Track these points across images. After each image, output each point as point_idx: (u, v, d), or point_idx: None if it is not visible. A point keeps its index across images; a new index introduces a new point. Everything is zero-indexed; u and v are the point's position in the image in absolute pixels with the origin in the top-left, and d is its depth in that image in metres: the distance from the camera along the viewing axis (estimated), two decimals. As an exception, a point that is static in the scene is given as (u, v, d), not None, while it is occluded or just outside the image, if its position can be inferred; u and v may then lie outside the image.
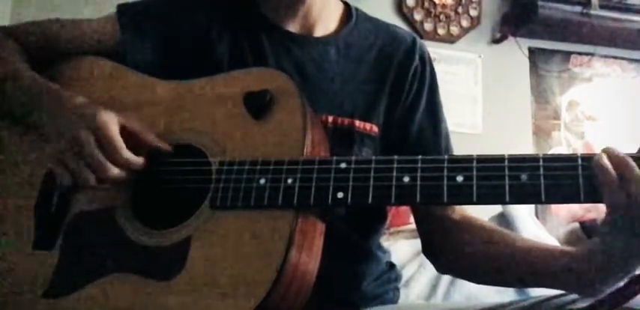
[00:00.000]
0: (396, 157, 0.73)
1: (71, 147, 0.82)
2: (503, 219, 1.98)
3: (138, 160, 0.83)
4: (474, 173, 0.69)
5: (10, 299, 0.83)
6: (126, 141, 0.83)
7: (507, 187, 0.67)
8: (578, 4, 2.76)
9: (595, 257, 0.70)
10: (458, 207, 0.97)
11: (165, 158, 0.86)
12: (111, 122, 0.83)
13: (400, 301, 1.06)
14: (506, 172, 0.68)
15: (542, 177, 0.66)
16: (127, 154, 0.82)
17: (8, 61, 0.97)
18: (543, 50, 3.06)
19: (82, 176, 0.82)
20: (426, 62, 1.05)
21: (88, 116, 0.83)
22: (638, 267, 0.68)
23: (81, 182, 0.83)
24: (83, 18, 1.06)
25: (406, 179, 0.71)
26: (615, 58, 3.13)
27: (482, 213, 1.48)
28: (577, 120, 3.03)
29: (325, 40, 1.02)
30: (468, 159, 0.70)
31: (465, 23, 2.96)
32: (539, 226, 2.13)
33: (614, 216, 0.66)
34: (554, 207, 2.76)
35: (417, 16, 2.91)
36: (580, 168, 0.66)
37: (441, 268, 1.01)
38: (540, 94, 3.03)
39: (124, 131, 0.84)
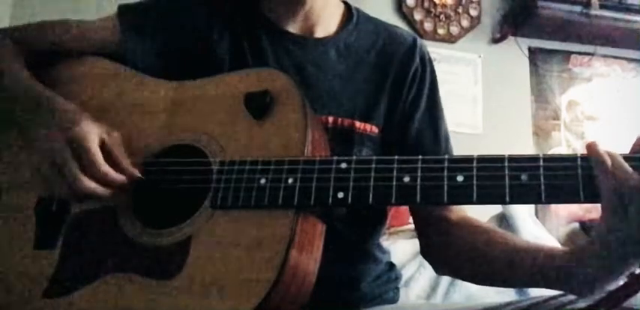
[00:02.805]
0: (396, 157, 0.73)
1: (47, 158, 0.82)
2: (504, 219, 1.98)
3: (117, 176, 0.81)
4: (474, 173, 0.69)
5: (11, 298, 0.83)
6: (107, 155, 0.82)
7: (507, 187, 0.67)
8: (578, 4, 2.76)
9: (591, 257, 0.70)
10: (456, 208, 0.97)
11: (165, 156, 0.86)
12: (89, 134, 0.81)
13: (400, 301, 1.06)
14: (507, 172, 0.68)
15: (542, 177, 0.66)
16: (105, 168, 0.80)
17: (5, 63, 0.97)
18: (543, 50, 3.07)
19: (57, 189, 0.81)
20: (426, 63, 1.05)
21: (67, 127, 0.82)
22: (636, 266, 0.68)
23: (57, 195, 0.82)
24: (83, 19, 1.06)
25: (406, 179, 0.71)
26: (615, 57, 3.13)
27: (483, 213, 1.48)
28: (577, 120, 3.04)
29: (325, 41, 1.02)
30: (468, 159, 0.71)
31: (465, 23, 2.97)
32: (539, 226, 2.13)
33: (609, 216, 0.66)
34: (554, 207, 2.76)
35: (417, 16, 2.92)
36: (580, 168, 0.66)
37: (440, 269, 1.01)
38: (540, 94, 3.03)
39: (104, 146, 0.83)
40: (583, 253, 0.71)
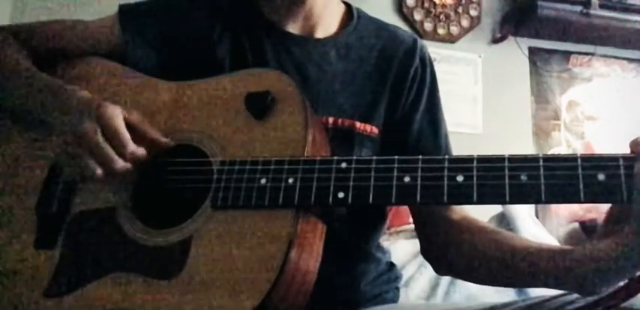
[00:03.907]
0: (396, 157, 0.73)
1: (77, 139, 0.82)
2: (504, 219, 1.98)
3: (143, 153, 0.83)
4: (475, 173, 0.69)
5: (12, 298, 0.83)
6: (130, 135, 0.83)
7: (507, 187, 0.67)
8: (578, 3, 2.76)
9: (596, 257, 0.70)
10: (458, 208, 0.97)
11: (166, 156, 0.86)
12: (116, 114, 0.83)
13: (400, 301, 1.06)
14: (507, 172, 0.68)
15: (542, 177, 0.66)
16: (133, 147, 0.82)
17: (12, 58, 0.97)
18: (543, 50, 3.07)
19: (89, 168, 0.81)
20: (426, 63, 1.05)
21: (94, 108, 0.83)
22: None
23: (88, 174, 0.82)
24: (84, 19, 1.06)
25: (407, 179, 0.71)
26: (615, 57, 3.14)
27: (483, 213, 1.48)
28: (577, 120, 3.04)
29: (326, 41, 1.02)
30: (468, 159, 0.71)
31: (465, 23, 2.97)
32: (539, 226, 2.13)
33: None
34: (554, 207, 2.76)
35: (417, 16, 2.92)
36: (580, 168, 0.66)
37: (441, 269, 1.01)
38: (540, 94, 3.03)
39: (128, 124, 0.84)
40: (590, 254, 0.71)
